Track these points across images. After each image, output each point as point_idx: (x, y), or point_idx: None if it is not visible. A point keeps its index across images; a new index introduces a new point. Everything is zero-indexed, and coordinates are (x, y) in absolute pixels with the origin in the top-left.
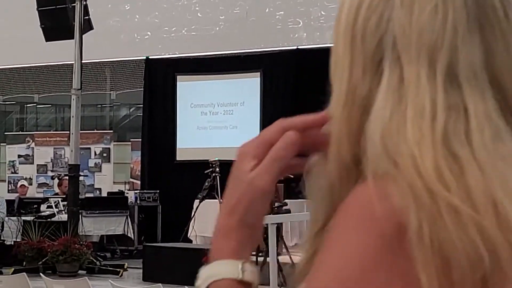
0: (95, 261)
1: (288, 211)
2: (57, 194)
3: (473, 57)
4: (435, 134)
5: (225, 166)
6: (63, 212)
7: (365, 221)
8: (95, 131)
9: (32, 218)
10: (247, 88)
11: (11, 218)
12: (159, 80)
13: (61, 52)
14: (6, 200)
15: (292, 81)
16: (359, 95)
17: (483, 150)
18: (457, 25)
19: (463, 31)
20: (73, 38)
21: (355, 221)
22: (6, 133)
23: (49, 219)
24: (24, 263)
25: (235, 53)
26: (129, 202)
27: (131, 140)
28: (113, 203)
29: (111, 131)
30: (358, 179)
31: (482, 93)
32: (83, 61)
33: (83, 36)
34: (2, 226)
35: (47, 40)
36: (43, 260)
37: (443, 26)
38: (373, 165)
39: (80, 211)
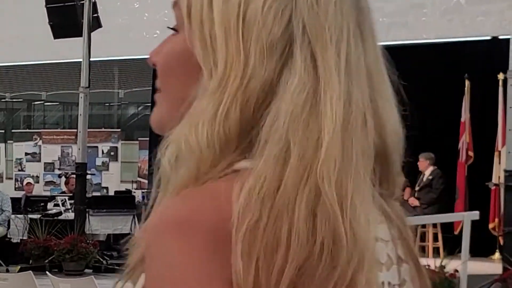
0: (101, 260)
1: None
2: (64, 192)
3: (358, 52)
4: (336, 125)
5: None
6: (70, 210)
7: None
8: (103, 129)
9: (38, 216)
10: None
11: (18, 216)
12: None
13: (70, 50)
14: (13, 198)
15: None
16: (259, 79)
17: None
18: (350, 23)
19: (354, 28)
20: (81, 35)
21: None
22: (13, 130)
23: (55, 218)
24: (31, 261)
25: None
26: (136, 201)
27: (139, 139)
28: (120, 202)
29: (119, 129)
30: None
31: (360, 84)
32: (91, 59)
33: (92, 33)
34: (9, 224)
35: (55, 37)
36: (50, 259)
37: (342, 21)
38: (262, 150)
39: (87, 209)
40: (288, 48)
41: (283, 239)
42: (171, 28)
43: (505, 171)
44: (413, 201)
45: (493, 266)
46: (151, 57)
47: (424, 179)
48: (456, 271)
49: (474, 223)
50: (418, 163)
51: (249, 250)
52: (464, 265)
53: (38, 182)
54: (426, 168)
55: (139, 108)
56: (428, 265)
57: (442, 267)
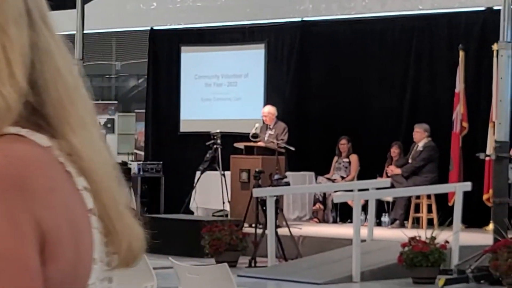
0: None
1: (288, 184)
2: None
3: None
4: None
5: (227, 138)
6: None
7: None
8: (100, 101)
9: None
10: (251, 59)
11: None
12: (163, 51)
13: (65, 22)
14: None
15: (297, 53)
16: (22, 47)
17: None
18: None
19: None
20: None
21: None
22: None
23: None
24: None
25: (240, 24)
26: (132, 173)
27: (136, 111)
28: None
29: (116, 101)
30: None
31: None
32: (88, 31)
33: (89, 5)
34: None
35: (50, 9)
36: None
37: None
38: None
39: None
40: (30, 18)
41: None
42: None
43: (496, 142)
44: (392, 170)
45: (487, 237)
46: None
47: (417, 149)
48: (447, 242)
49: (469, 194)
50: (413, 134)
51: None
52: (456, 236)
53: None
54: (420, 140)
55: (140, 80)
56: (419, 236)
57: (433, 238)
